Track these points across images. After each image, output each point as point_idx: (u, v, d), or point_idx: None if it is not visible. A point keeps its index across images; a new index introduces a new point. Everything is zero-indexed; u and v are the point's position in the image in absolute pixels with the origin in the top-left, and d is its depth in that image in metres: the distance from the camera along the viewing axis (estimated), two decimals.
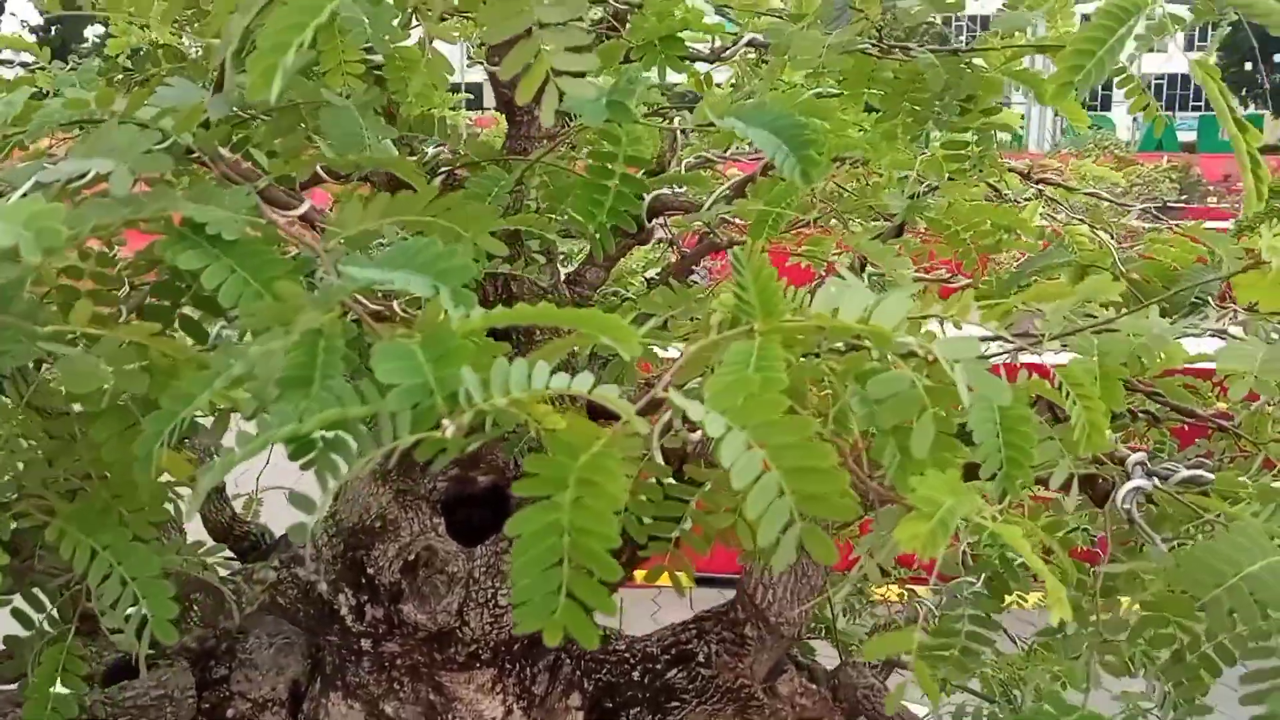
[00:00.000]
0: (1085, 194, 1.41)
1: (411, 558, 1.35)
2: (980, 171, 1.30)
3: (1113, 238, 1.45)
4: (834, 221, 1.55)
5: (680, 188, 1.16)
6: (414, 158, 1.08)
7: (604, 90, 0.73)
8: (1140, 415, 1.36)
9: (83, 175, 0.70)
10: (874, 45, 1.24)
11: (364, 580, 1.38)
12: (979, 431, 0.74)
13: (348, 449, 0.55)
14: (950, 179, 1.39)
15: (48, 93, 1.37)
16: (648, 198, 1.17)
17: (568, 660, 1.49)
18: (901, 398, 0.69)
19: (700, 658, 1.49)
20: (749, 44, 1.31)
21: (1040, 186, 1.41)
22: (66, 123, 0.83)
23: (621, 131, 0.87)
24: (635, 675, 1.50)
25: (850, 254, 1.67)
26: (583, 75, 0.70)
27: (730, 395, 0.59)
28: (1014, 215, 1.42)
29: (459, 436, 0.54)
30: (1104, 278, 0.88)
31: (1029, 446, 0.76)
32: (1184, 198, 16.17)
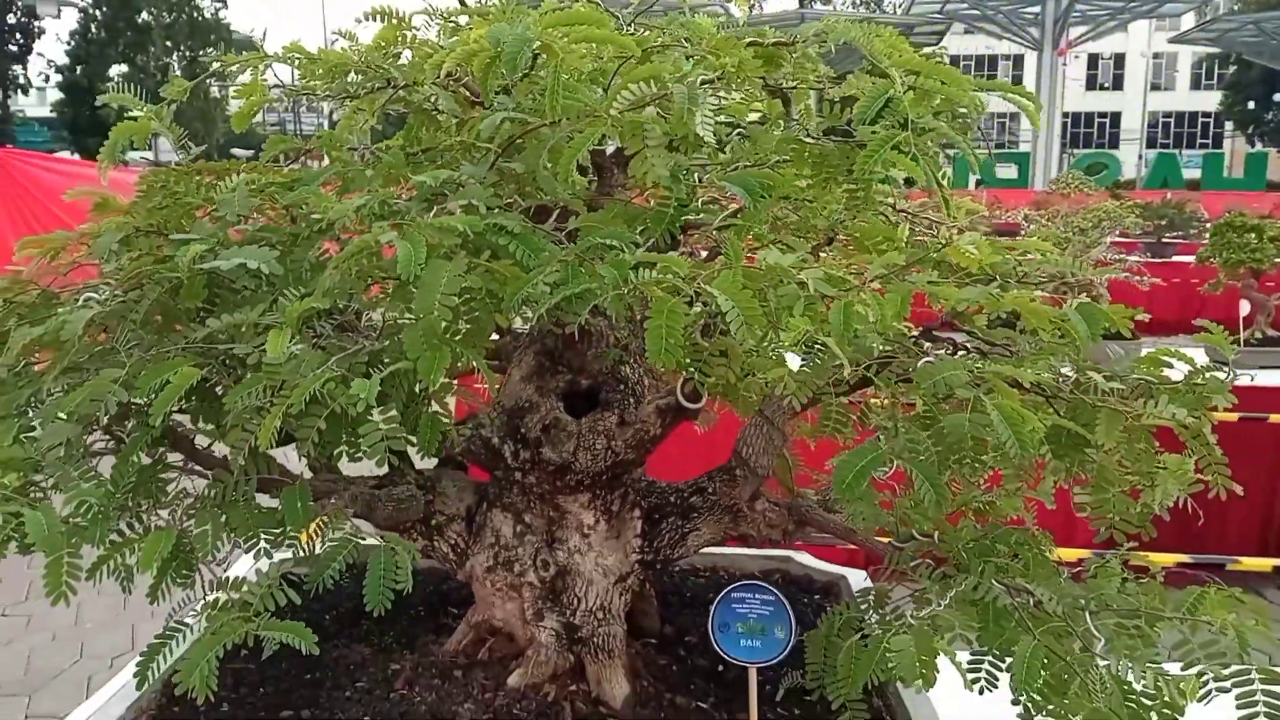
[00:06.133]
0: (961, 224, 2.48)
1: (548, 423, 2.37)
2: (867, 207, 2.34)
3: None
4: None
5: (699, 215, 2.21)
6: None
7: (674, 169, 1.77)
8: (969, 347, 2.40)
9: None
10: (808, 135, 2.28)
11: (518, 437, 2.39)
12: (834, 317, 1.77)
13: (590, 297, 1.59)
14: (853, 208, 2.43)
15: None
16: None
17: (632, 492, 2.51)
18: (789, 294, 1.72)
19: (709, 490, 2.50)
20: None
21: (909, 214, 2.46)
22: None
23: (680, 187, 1.91)
24: (671, 499, 2.51)
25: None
26: (664, 166, 1.74)
27: (726, 288, 1.62)
28: (893, 231, 2.46)
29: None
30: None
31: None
32: (1179, 234, 16.60)
